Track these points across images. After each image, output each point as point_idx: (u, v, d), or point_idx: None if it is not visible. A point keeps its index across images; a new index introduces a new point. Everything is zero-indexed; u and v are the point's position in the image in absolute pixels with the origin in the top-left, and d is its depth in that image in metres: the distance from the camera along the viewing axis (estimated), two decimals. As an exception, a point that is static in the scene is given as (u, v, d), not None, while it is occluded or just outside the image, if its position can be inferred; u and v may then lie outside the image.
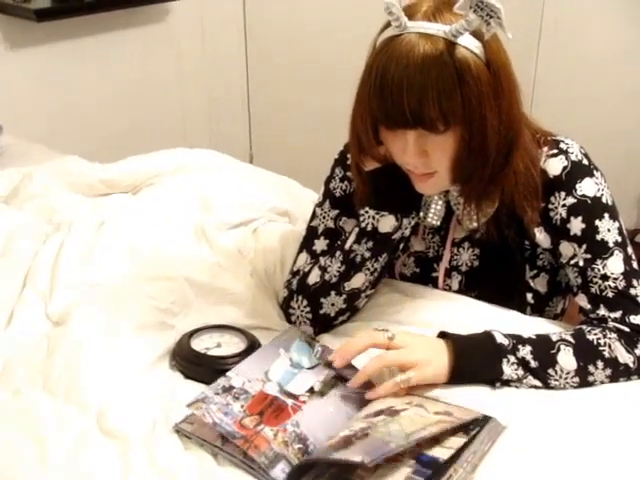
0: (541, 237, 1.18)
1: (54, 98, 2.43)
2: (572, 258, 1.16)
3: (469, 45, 1.01)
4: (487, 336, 1.08)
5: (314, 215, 1.30)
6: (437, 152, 1.06)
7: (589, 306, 1.14)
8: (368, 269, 1.20)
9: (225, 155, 1.81)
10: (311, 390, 1.02)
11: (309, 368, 1.06)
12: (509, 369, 1.05)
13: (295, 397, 1.01)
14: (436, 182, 1.11)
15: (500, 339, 1.07)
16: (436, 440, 0.92)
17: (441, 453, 0.90)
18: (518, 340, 1.08)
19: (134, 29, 2.61)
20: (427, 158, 1.07)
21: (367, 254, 1.19)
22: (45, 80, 2.40)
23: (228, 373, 1.03)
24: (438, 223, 1.19)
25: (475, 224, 1.19)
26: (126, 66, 2.61)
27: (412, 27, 1.01)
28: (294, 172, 1.77)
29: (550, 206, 1.16)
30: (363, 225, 1.19)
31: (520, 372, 1.06)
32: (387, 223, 1.17)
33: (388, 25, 1.04)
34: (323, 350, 1.10)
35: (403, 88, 1.00)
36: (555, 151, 1.16)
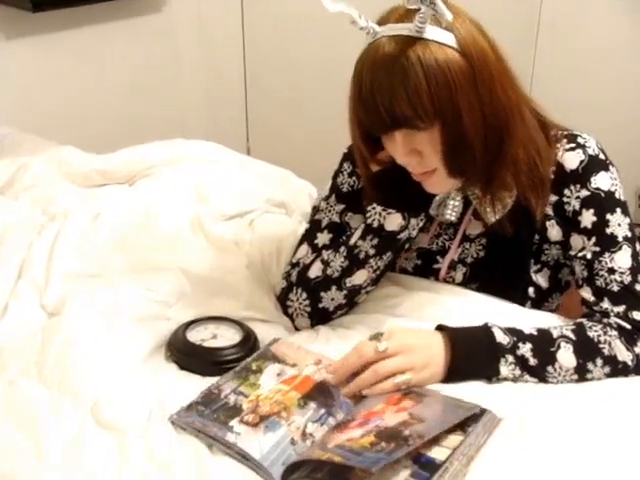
0: (553, 232, 1.18)
1: (50, 89, 2.41)
2: (580, 250, 1.15)
3: (438, 38, 1.00)
4: (486, 333, 1.06)
5: (319, 208, 1.29)
6: (427, 149, 1.05)
7: (593, 298, 1.14)
8: (371, 266, 1.18)
9: (222, 146, 1.81)
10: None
11: None
12: (506, 369, 1.04)
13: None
14: (439, 179, 1.10)
15: (499, 337, 1.05)
16: (434, 439, 0.92)
17: (439, 453, 0.90)
18: (519, 337, 1.06)
19: (131, 20, 2.60)
20: (420, 156, 1.06)
21: (371, 251, 1.18)
22: (41, 71, 2.39)
23: None
24: (455, 219, 1.19)
25: (495, 217, 1.17)
26: (122, 57, 2.60)
27: (382, 31, 1.02)
28: (291, 164, 1.76)
29: (565, 199, 1.16)
30: (369, 221, 1.17)
31: (517, 372, 1.05)
32: (394, 221, 1.16)
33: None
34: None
35: (375, 91, 1.00)
36: (573, 145, 1.17)
